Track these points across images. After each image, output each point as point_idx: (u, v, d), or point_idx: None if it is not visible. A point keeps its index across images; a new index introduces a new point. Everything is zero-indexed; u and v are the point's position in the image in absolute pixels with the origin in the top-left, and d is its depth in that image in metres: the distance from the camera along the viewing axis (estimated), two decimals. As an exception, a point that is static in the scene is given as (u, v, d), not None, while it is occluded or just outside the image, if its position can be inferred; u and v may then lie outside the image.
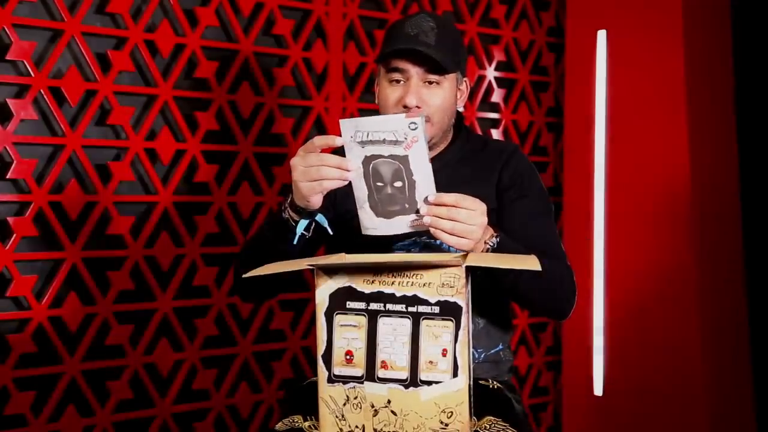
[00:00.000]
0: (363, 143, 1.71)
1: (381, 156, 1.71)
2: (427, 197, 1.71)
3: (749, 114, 3.35)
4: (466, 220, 1.69)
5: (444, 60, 1.90)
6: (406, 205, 1.74)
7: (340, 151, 1.76)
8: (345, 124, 1.72)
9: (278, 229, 1.86)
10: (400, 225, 1.76)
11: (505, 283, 1.85)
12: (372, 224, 1.78)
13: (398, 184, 1.73)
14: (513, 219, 1.96)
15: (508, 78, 3.54)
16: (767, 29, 3.35)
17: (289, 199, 1.84)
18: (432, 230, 1.70)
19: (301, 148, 1.78)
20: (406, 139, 1.69)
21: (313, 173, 1.74)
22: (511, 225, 1.94)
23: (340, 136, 1.73)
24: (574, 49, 3.54)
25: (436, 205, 1.69)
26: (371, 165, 1.73)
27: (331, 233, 1.88)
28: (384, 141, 1.70)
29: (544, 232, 1.97)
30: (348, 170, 1.73)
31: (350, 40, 3.18)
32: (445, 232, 1.69)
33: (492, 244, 1.77)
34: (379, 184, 1.73)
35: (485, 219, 1.72)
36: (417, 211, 1.73)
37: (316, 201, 1.77)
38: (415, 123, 1.68)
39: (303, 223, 1.83)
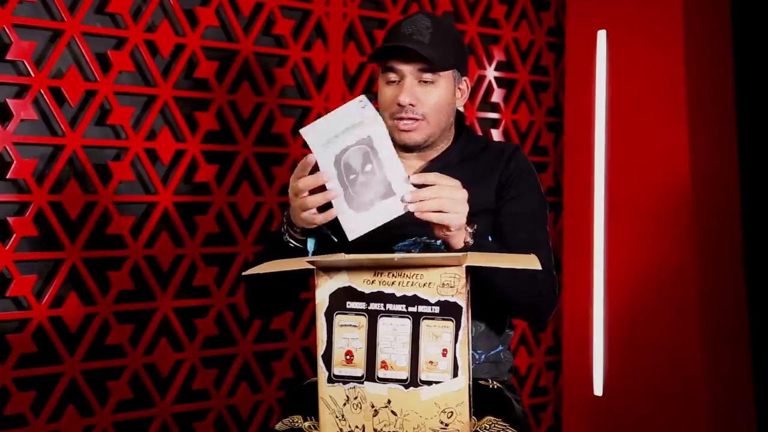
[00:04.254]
0: (329, 142, 1.74)
1: (349, 146, 1.74)
2: (408, 177, 1.74)
3: (749, 114, 3.34)
4: (450, 195, 1.72)
5: (435, 57, 1.90)
6: (381, 189, 1.74)
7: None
8: (306, 132, 1.75)
9: (284, 252, 1.85)
10: (381, 212, 1.75)
11: (483, 283, 1.82)
12: (355, 224, 1.77)
13: (368, 167, 1.74)
14: (504, 218, 1.96)
15: (508, 78, 3.54)
16: (767, 29, 3.35)
17: (286, 223, 1.84)
18: (419, 214, 1.72)
19: (291, 178, 1.79)
20: (363, 119, 1.73)
21: (308, 202, 1.76)
22: (502, 224, 1.95)
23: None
24: (574, 49, 3.54)
25: (419, 186, 1.72)
26: (342, 162, 1.75)
27: (336, 240, 1.88)
28: (346, 130, 1.73)
29: (535, 235, 1.96)
30: (325, 181, 1.75)
31: (350, 40, 3.18)
32: (433, 212, 1.71)
33: (473, 231, 1.79)
34: (352, 176, 1.75)
35: (465, 193, 1.75)
36: (393, 192, 1.74)
37: (320, 219, 1.78)
38: (362, 101, 1.72)
39: (312, 242, 1.85)
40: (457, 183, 1.74)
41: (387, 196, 1.75)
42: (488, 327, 2.01)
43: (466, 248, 1.78)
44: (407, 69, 1.92)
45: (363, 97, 1.73)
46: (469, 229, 1.78)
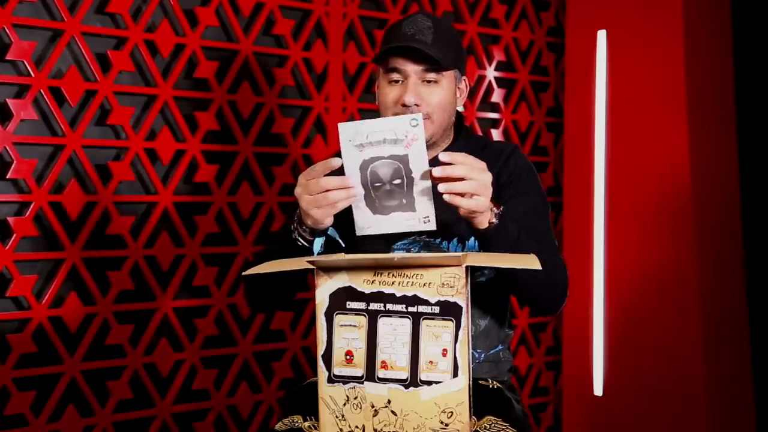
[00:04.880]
0: (362, 146, 1.72)
1: (380, 157, 1.72)
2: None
3: (749, 114, 3.34)
4: (479, 177, 1.71)
5: (440, 57, 1.91)
6: (404, 201, 1.75)
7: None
8: (344, 127, 1.73)
9: (291, 250, 1.85)
10: (396, 222, 1.77)
11: (505, 273, 1.84)
12: (367, 223, 1.78)
13: (397, 181, 1.74)
14: (508, 214, 1.96)
15: (508, 78, 3.54)
16: (767, 29, 3.35)
17: (296, 221, 1.84)
18: (448, 197, 1.70)
19: (301, 176, 1.79)
20: (406, 137, 1.71)
21: (321, 200, 1.75)
22: None
23: (338, 140, 1.75)
24: (574, 49, 3.54)
25: (447, 164, 1.70)
26: (369, 168, 1.74)
27: (344, 245, 1.88)
28: (384, 141, 1.71)
29: (538, 228, 1.97)
30: (351, 186, 1.74)
31: (350, 40, 3.18)
32: (462, 196, 1.70)
33: (499, 212, 1.78)
34: (378, 184, 1.75)
35: (490, 176, 1.74)
36: (414, 209, 1.74)
37: (330, 221, 1.79)
38: (416, 120, 1.70)
39: (319, 242, 1.85)
40: (483, 165, 1.74)
41: (407, 209, 1.75)
42: (488, 326, 2.01)
43: (491, 229, 1.77)
44: (411, 69, 1.93)
45: (419, 116, 1.71)
46: (495, 210, 1.78)
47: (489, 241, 1.79)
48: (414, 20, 1.96)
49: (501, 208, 1.79)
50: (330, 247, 1.91)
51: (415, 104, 1.92)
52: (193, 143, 2.86)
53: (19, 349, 2.57)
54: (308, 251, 1.85)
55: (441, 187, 1.70)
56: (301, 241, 1.85)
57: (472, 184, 1.70)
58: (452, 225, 1.91)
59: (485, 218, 1.77)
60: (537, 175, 2.05)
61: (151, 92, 2.80)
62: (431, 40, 1.92)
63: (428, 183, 1.73)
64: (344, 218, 1.84)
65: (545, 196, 2.05)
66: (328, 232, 1.86)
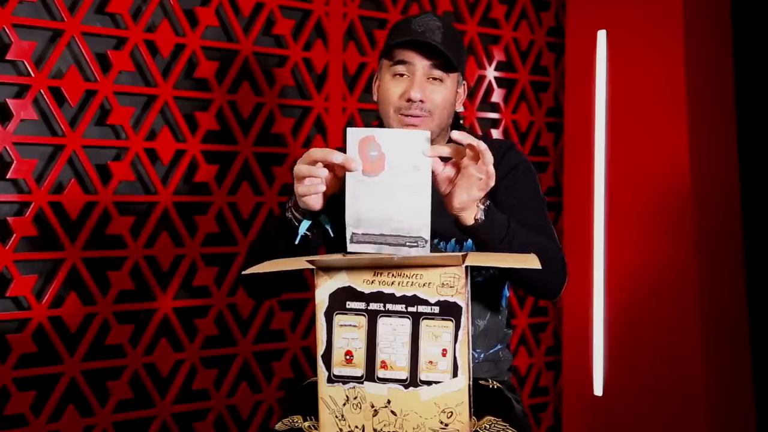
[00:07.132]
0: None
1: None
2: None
3: (749, 114, 3.34)
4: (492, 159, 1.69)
5: (451, 57, 1.92)
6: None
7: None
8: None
9: (281, 228, 1.84)
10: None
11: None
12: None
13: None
14: (503, 207, 1.96)
15: (508, 78, 3.54)
16: (767, 29, 3.35)
17: (293, 199, 1.83)
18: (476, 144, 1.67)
19: (307, 152, 1.76)
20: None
21: (305, 172, 1.73)
22: (503, 210, 1.95)
23: (338, 142, 1.73)
24: (574, 49, 3.54)
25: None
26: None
27: (332, 235, 1.88)
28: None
29: (536, 215, 1.97)
30: (351, 170, 1.70)
31: (350, 40, 3.18)
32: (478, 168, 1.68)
33: (485, 207, 1.76)
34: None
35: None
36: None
37: (315, 202, 1.75)
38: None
39: (305, 224, 1.82)
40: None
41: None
42: (486, 326, 2.01)
43: (477, 225, 1.76)
44: (420, 64, 1.93)
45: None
46: (481, 206, 1.76)
47: (477, 237, 1.78)
48: (423, 20, 1.96)
49: (488, 203, 1.78)
50: (320, 235, 1.90)
51: (420, 100, 1.92)
52: (193, 143, 2.86)
53: (19, 349, 2.57)
54: (294, 230, 1.82)
55: (483, 145, 1.66)
56: (291, 218, 1.81)
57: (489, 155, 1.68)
58: (450, 227, 1.90)
59: (471, 214, 1.75)
60: (533, 170, 2.06)
61: (151, 92, 2.80)
62: (441, 40, 1.92)
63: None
64: (342, 210, 1.83)
65: (540, 189, 2.06)
66: (320, 220, 1.84)
